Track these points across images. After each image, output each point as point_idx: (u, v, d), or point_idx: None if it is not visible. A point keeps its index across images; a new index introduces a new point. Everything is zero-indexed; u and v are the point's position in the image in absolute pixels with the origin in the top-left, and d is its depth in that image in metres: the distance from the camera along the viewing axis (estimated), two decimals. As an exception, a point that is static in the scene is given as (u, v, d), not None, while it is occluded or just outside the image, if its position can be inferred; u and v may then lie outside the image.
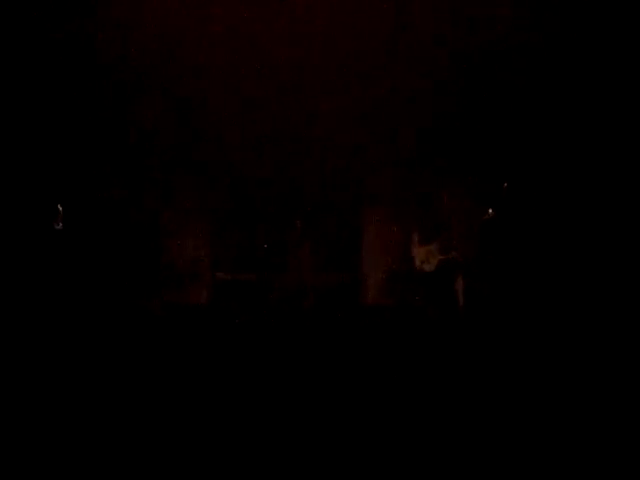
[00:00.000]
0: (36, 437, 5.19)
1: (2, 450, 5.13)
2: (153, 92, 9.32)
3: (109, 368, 6.66)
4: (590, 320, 7.94)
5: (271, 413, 5.43)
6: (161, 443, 5.13)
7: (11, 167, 8.52)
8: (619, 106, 8.86)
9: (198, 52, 9.16)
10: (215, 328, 8.49)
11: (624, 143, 8.84)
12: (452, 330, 8.63)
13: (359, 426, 5.36)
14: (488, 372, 6.52)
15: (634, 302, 8.02)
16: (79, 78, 8.92)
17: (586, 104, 8.97)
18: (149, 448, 5.10)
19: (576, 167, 9.00)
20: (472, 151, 9.52)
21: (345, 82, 9.45)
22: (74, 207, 8.84)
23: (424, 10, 9.14)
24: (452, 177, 9.77)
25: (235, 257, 9.82)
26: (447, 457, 5.04)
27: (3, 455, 5.07)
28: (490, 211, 8.98)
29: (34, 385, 6.12)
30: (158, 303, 9.25)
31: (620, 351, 7.04)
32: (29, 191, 8.56)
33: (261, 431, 5.23)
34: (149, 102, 9.34)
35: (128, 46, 8.93)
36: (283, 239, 9.74)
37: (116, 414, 5.48)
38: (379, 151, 9.77)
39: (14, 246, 8.37)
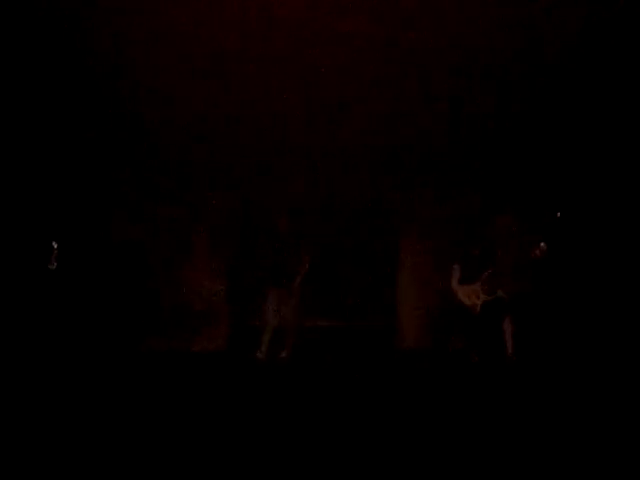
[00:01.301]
0: None
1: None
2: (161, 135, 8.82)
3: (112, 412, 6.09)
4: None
5: (298, 464, 4.79)
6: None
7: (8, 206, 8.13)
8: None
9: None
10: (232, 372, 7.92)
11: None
12: (499, 377, 7.76)
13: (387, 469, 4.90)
14: (539, 423, 5.77)
15: None
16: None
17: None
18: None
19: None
20: (522, 178, 8.80)
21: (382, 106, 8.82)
22: (82, 249, 8.57)
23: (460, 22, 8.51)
24: (500, 207, 9.00)
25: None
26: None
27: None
28: (542, 244, 8.14)
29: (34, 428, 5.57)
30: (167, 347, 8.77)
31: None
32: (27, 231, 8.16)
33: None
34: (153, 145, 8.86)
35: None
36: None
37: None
38: (417, 177, 9.10)
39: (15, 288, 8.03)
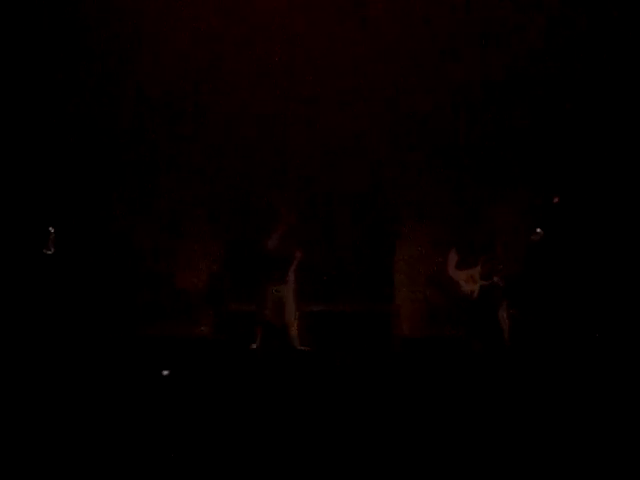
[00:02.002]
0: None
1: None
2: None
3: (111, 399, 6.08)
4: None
5: (294, 448, 4.78)
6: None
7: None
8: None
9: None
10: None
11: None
12: (495, 362, 7.75)
13: (393, 462, 4.86)
14: (535, 407, 5.75)
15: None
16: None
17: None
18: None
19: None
20: (519, 162, 8.77)
21: (384, 94, 8.87)
22: (80, 235, 8.54)
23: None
24: (496, 191, 8.98)
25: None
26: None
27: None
28: (539, 230, 8.11)
29: (33, 413, 5.56)
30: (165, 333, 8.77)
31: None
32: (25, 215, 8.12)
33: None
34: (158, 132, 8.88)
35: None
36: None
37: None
38: (415, 163, 9.07)
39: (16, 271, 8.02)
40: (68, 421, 5.43)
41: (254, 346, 8.34)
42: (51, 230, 8.06)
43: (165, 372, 7.03)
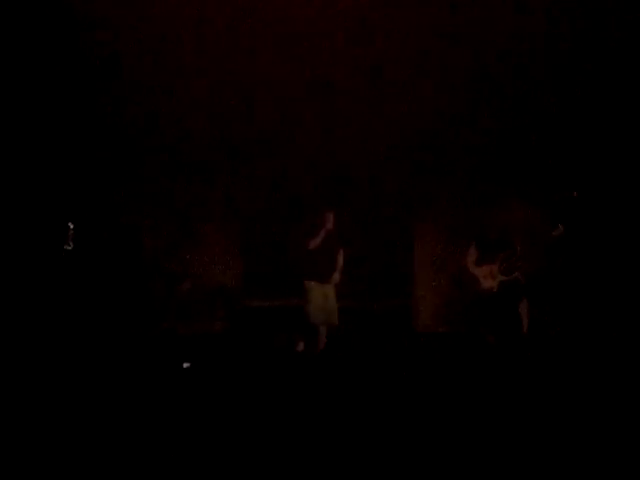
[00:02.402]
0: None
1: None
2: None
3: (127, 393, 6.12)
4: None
5: (310, 444, 4.79)
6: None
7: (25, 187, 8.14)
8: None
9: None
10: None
11: None
12: (515, 358, 7.70)
13: (412, 457, 4.82)
14: (555, 404, 5.71)
15: None
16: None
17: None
18: None
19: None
20: (539, 157, 8.69)
21: (395, 93, 8.78)
22: (93, 231, 8.55)
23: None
24: (516, 186, 8.92)
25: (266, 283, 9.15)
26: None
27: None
28: (559, 226, 8.03)
29: (45, 409, 5.60)
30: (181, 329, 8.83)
31: None
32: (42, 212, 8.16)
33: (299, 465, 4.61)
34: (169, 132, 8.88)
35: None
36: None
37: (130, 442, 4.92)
38: (435, 158, 9.03)
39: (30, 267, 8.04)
40: (83, 416, 5.48)
41: (300, 347, 8.14)
42: (70, 226, 8.10)
43: (186, 364, 7.07)
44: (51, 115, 8.29)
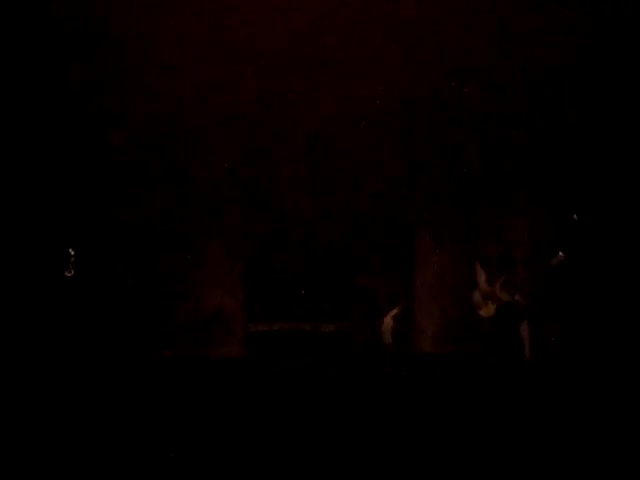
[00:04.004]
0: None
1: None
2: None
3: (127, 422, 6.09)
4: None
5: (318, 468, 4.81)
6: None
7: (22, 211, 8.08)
8: None
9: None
10: (250, 381, 7.90)
11: None
12: (517, 381, 7.71)
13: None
14: (558, 428, 5.72)
15: None
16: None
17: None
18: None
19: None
20: (539, 181, 8.73)
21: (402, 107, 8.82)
22: (95, 253, 8.44)
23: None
24: (516, 210, 8.96)
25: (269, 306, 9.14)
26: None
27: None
28: (560, 253, 8.08)
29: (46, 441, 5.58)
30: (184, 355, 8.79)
31: None
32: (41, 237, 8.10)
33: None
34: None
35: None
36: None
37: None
38: (434, 182, 9.06)
39: (29, 294, 7.95)
40: (88, 444, 5.47)
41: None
42: (71, 252, 8.06)
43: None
44: (51, 131, 8.26)
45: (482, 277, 8.35)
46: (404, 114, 8.77)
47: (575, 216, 8.19)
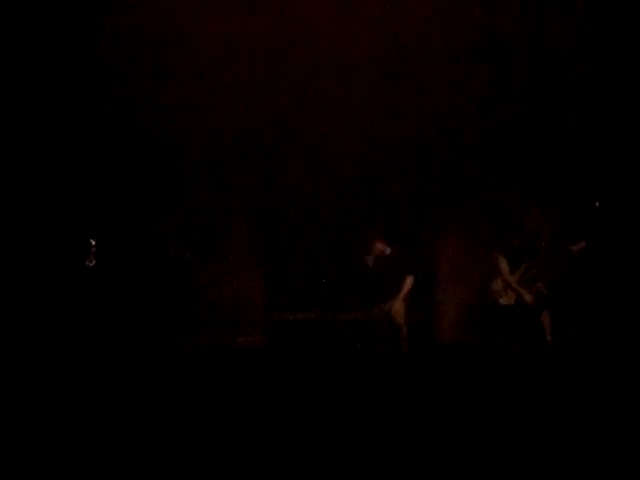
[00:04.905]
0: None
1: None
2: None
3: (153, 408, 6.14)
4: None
5: (336, 459, 4.82)
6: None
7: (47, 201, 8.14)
8: None
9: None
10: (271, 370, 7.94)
11: None
12: (539, 369, 7.71)
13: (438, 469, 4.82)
14: (580, 416, 5.71)
15: None
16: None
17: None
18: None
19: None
20: (559, 168, 8.70)
21: (411, 96, 8.80)
22: (120, 245, 8.53)
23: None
24: (537, 198, 8.94)
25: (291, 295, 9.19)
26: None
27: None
28: (582, 243, 8.06)
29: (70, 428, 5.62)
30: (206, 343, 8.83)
31: None
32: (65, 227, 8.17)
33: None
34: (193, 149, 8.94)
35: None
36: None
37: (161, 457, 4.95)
38: (457, 171, 9.05)
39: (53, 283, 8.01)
40: (111, 435, 5.49)
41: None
42: (92, 242, 8.10)
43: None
44: (71, 124, 8.31)
45: (503, 266, 8.34)
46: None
47: (597, 204, 8.17)
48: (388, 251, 8.80)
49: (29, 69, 8.08)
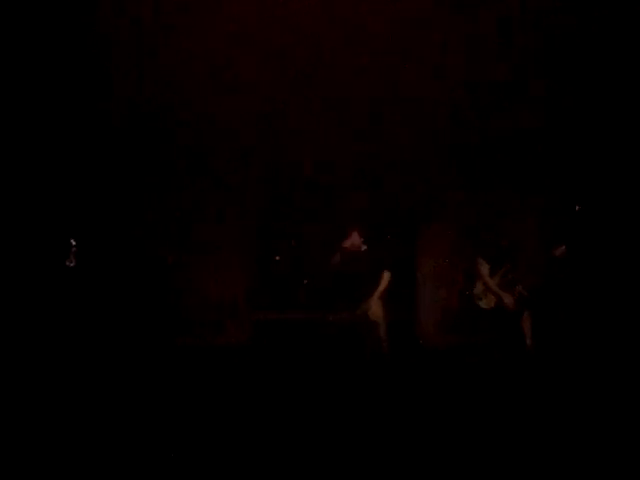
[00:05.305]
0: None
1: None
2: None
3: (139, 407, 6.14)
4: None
5: (319, 456, 4.82)
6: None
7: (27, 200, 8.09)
8: None
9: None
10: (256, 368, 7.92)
11: None
12: (519, 371, 7.73)
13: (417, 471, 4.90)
14: (559, 418, 5.75)
15: None
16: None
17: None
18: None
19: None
20: (540, 171, 8.73)
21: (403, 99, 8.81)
22: (102, 244, 8.50)
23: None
24: (517, 200, 8.95)
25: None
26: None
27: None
28: (562, 246, 8.07)
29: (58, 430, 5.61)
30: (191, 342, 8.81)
31: None
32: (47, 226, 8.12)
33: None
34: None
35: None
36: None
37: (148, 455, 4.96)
38: (439, 173, 9.06)
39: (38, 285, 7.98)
40: (98, 434, 5.50)
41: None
42: (72, 242, 8.05)
43: None
44: (55, 122, 8.28)
45: (483, 269, 8.35)
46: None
47: (577, 207, 8.20)
48: (364, 248, 8.38)
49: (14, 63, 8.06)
